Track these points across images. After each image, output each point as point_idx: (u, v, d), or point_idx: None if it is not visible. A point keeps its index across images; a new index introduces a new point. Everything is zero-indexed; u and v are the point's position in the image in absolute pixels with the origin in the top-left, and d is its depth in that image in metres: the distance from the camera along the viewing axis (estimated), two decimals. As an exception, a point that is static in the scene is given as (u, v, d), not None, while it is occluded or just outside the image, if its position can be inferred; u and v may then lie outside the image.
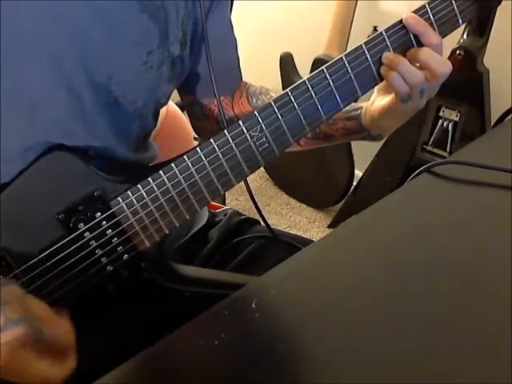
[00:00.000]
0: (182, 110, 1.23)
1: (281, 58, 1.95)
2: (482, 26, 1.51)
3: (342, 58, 0.66)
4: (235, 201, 2.13)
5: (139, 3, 0.61)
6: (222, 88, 0.72)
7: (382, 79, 0.68)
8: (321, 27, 1.86)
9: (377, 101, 0.74)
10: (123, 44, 0.62)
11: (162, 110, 0.77)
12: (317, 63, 1.82)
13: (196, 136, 1.08)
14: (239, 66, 0.81)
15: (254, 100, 0.82)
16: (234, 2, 2.05)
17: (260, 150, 0.64)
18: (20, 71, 0.58)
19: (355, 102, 0.72)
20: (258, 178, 2.27)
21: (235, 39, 0.79)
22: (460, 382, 0.49)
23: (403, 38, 0.67)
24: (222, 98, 0.76)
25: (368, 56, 0.66)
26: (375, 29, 1.69)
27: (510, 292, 0.57)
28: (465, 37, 1.55)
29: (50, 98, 0.59)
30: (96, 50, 0.60)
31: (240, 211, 0.93)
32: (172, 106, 1.18)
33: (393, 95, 0.70)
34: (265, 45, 2.26)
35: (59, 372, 0.53)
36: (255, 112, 0.63)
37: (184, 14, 0.68)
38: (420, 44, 0.67)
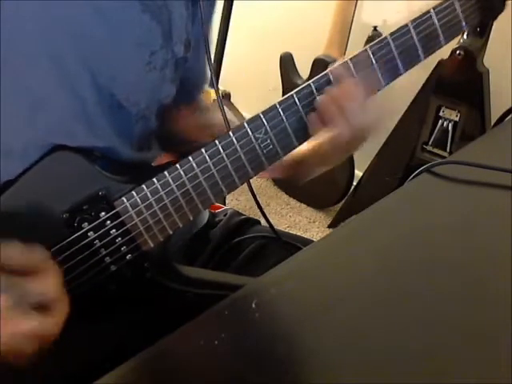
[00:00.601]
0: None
1: (281, 58, 1.95)
2: (482, 26, 1.52)
3: (347, 61, 0.66)
4: (235, 201, 2.13)
5: (141, 3, 0.61)
6: (187, 95, 0.77)
7: (386, 83, 0.68)
8: (321, 27, 1.86)
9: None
10: (125, 45, 0.62)
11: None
12: (317, 63, 1.82)
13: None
14: (206, 77, 0.82)
15: (198, 113, 0.82)
16: (234, 2, 2.06)
17: (265, 151, 0.64)
18: (21, 72, 0.58)
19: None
20: (258, 178, 2.27)
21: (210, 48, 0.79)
22: (460, 382, 0.49)
23: (408, 42, 0.68)
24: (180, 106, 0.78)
25: (373, 60, 0.66)
26: (375, 29, 1.69)
27: (510, 292, 0.57)
28: (465, 37, 1.55)
29: (52, 98, 0.59)
30: (98, 50, 0.60)
31: (240, 211, 0.93)
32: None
33: (315, 142, 0.70)
34: (265, 45, 2.26)
35: (53, 322, 0.52)
36: (260, 114, 0.63)
37: (187, 16, 0.68)
38: (425, 50, 0.68)
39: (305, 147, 0.70)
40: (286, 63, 1.93)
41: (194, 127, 0.80)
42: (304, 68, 1.86)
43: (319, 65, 1.81)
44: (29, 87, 0.58)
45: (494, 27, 1.52)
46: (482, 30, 1.53)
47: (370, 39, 1.68)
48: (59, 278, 0.54)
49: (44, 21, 0.57)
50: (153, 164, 0.73)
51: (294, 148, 0.67)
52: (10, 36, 0.56)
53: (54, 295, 0.53)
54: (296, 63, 1.93)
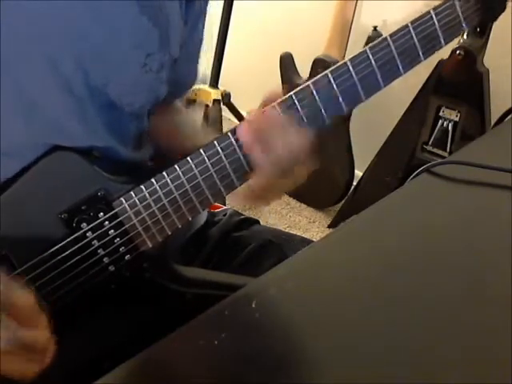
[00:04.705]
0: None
1: (281, 58, 1.95)
2: (482, 26, 1.52)
3: (346, 62, 0.66)
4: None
5: (139, 5, 0.61)
6: (179, 93, 0.79)
7: (385, 84, 0.68)
8: (321, 27, 1.86)
9: None
10: (122, 46, 0.62)
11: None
12: (317, 63, 1.82)
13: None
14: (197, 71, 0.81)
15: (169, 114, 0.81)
16: (234, 2, 2.06)
17: None
18: (18, 72, 0.58)
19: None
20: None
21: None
22: (460, 382, 0.49)
23: (408, 43, 0.68)
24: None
25: (373, 61, 0.66)
26: (375, 29, 1.69)
27: (510, 292, 0.57)
28: (465, 37, 1.55)
29: (49, 99, 0.59)
30: (94, 52, 0.60)
31: (239, 211, 0.93)
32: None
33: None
34: (265, 45, 2.26)
35: (34, 369, 0.52)
36: None
37: (181, 17, 0.68)
38: (425, 51, 0.68)
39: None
40: (286, 63, 1.93)
41: (164, 129, 0.78)
42: (304, 68, 1.86)
43: (319, 65, 1.81)
44: (24, 87, 0.58)
45: (493, 27, 1.52)
46: (482, 30, 1.53)
47: (369, 39, 1.68)
48: (49, 332, 0.54)
49: (42, 22, 0.57)
50: (148, 164, 0.73)
51: None
52: (9, 36, 0.56)
53: (44, 344, 0.53)
54: (296, 63, 1.93)
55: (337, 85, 0.65)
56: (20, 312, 0.51)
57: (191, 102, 1.86)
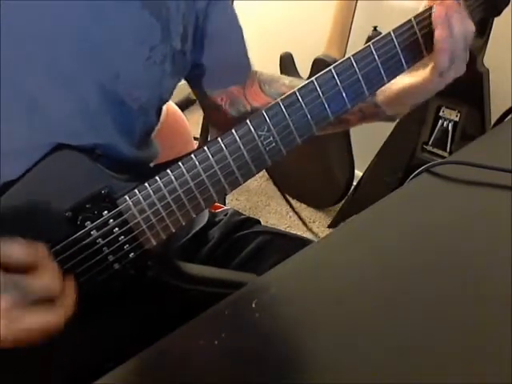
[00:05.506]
0: (182, 110, 1.23)
1: (281, 58, 1.95)
2: (482, 26, 1.51)
3: (349, 57, 0.66)
4: (235, 201, 2.14)
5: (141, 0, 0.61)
6: (230, 79, 0.78)
7: (389, 79, 0.68)
8: (321, 27, 1.86)
9: (398, 79, 0.73)
10: (124, 44, 0.62)
11: (163, 109, 0.77)
12: (317, 63, 1.82)
13: (196, 136, 1.08)
14: (247, 56, 0.82)
15: (267, 87, 0.81)
16: (234, 2, 2.06)
17: (267, 149, 0.64)
18: (19, 72, 0.58)
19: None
20: (258, 178, 2.27)
21: (241, 30, 0.79)
22: (460, 382, 0.49)
23: (411, 39, 0.68)
24: (232, 87, 0.79)
25: (376, 56, 0.66)
26: (375, 29, 1.69)
27: (510, 292, 0.57)
28: (465, 37, 1.55)
29: (50, 99, 0.59)
30: (95, 51, 0.60)
31: (240, 211, 0.93)
32: (172, 106, 1.18)
33: (417, 73, 0.70)
34: (265, 45, 2.26)
35: (57, 316, 0.51)
36: (263, 111, 0.63)
37: (185, 8, 0.68)
38: (429, 48, 0.68)
39: (406, 82, 0.72)
40: (286, 63, 1.93)
41: (267, 101, 0.79)
42: (304, 68, 1.86)
43: (319, 65, 1.80)
44: (25, 87, 0.58)
45: (493, 27, 1.52)
46: (482, 30, 1.52)
47: (370, 39, 1.68)
48: (58, 272, 0.54)
49: (43, 21, 0.57)
50: (153, 163, 0.73)
51: (297, 145, 0.66)
52: (7, 36, 0.56)
53: (55, 289, 0.53)
54: (296, 63, 1.93)
55: (340, 80, 0.66)
56: (19, 261, 0.51)
57: (192, 102, 1.86)
